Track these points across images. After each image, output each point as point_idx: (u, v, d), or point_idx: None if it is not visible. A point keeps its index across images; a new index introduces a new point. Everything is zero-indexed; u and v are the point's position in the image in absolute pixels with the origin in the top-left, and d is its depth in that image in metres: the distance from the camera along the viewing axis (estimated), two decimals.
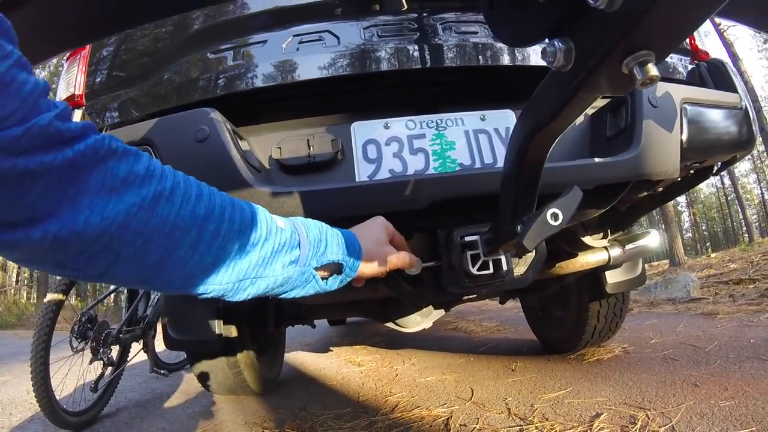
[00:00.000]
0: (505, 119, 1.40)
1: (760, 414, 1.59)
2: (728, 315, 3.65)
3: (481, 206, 1.11)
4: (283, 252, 0.76)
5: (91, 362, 2.98)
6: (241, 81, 1.32)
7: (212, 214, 0.65)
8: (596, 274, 2.38)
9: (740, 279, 6.87)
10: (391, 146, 1.31)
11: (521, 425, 1.82)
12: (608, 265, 2.10)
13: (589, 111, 1.51)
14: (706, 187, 54.82)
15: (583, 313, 2.67)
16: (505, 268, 1.17)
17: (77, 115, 1.42)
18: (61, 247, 0.53)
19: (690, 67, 1.78)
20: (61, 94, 1.47)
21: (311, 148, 1.27)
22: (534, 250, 1.27)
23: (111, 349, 3.13)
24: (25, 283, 33.70)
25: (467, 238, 1.15)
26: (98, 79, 1.45)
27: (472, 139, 1.33)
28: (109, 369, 3.17)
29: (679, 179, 1.68)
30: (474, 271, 1.14)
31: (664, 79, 1.59)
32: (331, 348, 4.83)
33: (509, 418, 1.92)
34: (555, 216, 0.82)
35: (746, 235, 28.69)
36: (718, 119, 1.52)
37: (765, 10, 1.08)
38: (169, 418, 2.80)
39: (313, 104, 1.40)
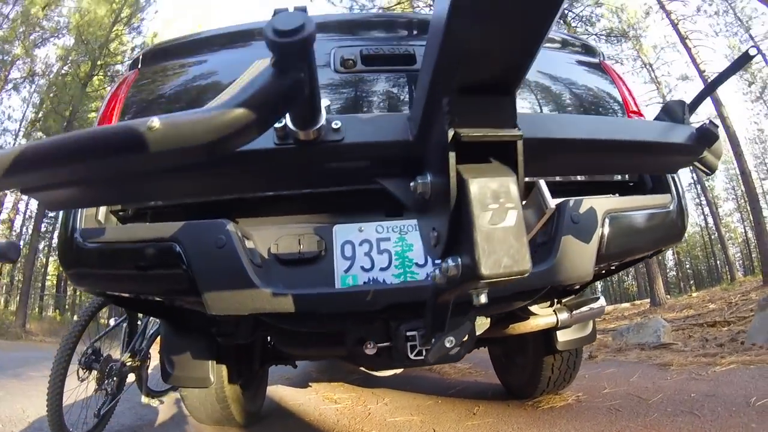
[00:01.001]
0: None
1: None
2: (681, 366, 3.82)
3: (421, 307, 1.42)
4: None
5: (95, 392, 3.26)
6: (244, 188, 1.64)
7: None
8: (548, 333, 2.59)
9: (716, 321, 7.05)
10: (363, 246, 1.63)
11: None
12: (557, 327, 2.36)
13: None
14: (691, 227, 55.29)
15: (539, 365, 2.89)
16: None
17: None
18: None
19: None
20: None
21: (301, 246, 1.59)
22: (466, 335, 1.58)
23: (114, 380, 3.39)
24: (4, 290, 33.34)
25: (408, 333, 1.49)
26: None
27: None
28: (109, 397, 3.41)
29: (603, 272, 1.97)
30: (412, 356, 1.48)
31: (595, 185, 1.89)
32: (310, 383, 5.00)
33: None
34: (450, 341, 1.18)
35: (728, 273, 29.12)
36: (640, 224, 1.78)
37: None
38: None
39: (304, 207, 1.72)
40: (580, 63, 2.25)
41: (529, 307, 2.18)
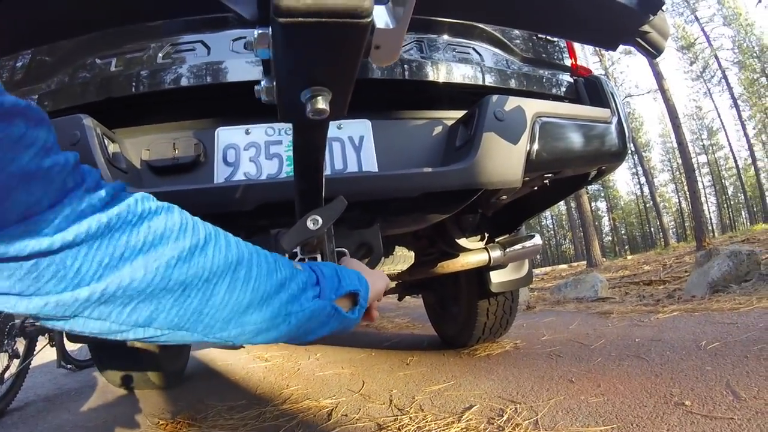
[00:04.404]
0: (361, 128, 1.47)
1: (625, 411, 1.65)
2: (622, 314, 3.78)
3: None
4: (307, 289, 0.80)
5: None
6: (120, 87, 1.37)
7: (242, 260, 0.69)
8: (482, 274, 2.48)
9: (651, 280, 7.15)
10: (249, 151, 1.39)
11: (398, 415, 1.92)
12: (490, 266, 2.23)
13: (448, 122, 1.59)
14: (626, 195, 57.98)
15: (473, 311, 2.78)
16: None
17: None
18: (105, 302, 0.56)
19: (569, 82, 1.89)
20: None
21: (176, 151, 1.34)
22: (371, 252, 1.36)
23: (15, 342, 3.17)
24: None
25: None
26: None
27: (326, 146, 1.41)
28: (15, 362, 3.19)
29: (546, 187, 1.79)
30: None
31: (526, 94, 1.69)
32: (243, 345, 4.81)
33: (389, 409, 2.03)
34: (315, 221, 0.93)
35: (662, 239, 30.07)
36: (576, 134, 1.58)
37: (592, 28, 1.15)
38: (73, 410, 2.82)
39: (186, 109, 1.45)
40: None
41: (457, 240, 2.01)
